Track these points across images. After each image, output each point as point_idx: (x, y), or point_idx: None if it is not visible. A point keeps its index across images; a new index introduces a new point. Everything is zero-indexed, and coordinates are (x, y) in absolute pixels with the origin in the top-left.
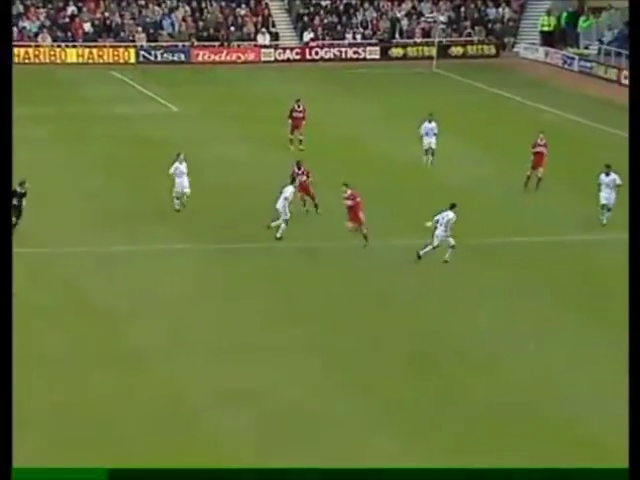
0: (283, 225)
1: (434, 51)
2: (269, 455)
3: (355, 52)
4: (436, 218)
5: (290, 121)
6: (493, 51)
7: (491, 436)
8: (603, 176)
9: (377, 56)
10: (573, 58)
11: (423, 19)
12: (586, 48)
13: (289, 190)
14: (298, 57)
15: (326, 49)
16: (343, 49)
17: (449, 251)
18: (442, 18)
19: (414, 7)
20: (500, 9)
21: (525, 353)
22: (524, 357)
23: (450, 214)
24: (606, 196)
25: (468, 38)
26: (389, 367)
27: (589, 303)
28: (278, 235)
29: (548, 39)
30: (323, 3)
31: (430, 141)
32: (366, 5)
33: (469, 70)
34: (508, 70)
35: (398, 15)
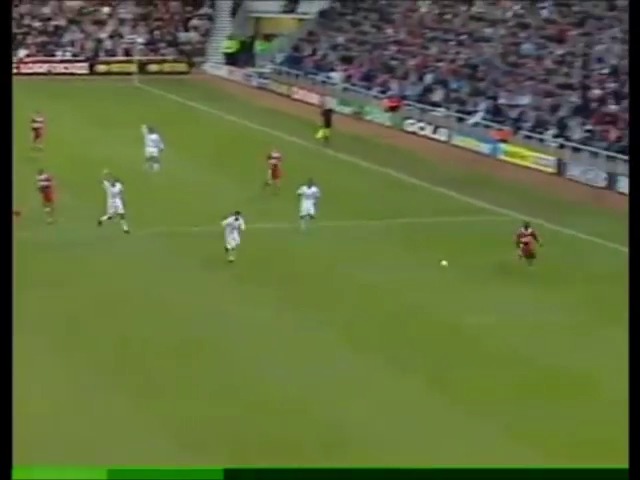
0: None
1: (134, 68)
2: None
3: (65, 67)
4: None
5: (32, 131)
6: (185, 69)
7: (222, 427)
8: (305, 188)
9: (85, 71)
10: (252, 75)
11: (124, 40)
12: (261, 67)
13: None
14: (15, 71)
15: (39, 65)
16: (54, 65)
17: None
18: (140, 40)
19: (116, 30)
20: (189, 33)
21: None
22: (253, 344)
23: (235, 220)
24: (307, 207)
25: (163, 57)
26: (140, 358)
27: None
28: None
29: (230, 59)
30: (34, 24)
31: (152, 150)
32: (73, 27)
33: (165, 85)
34: (198, 85)
35: (102, 36)
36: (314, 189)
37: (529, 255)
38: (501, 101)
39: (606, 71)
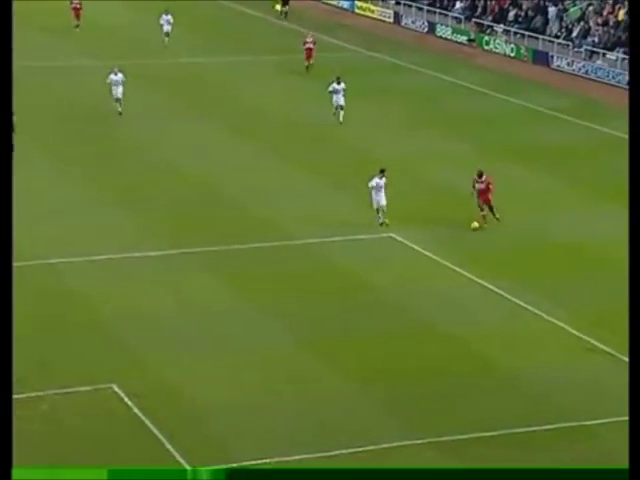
0: None
1: None
2: None
3: None
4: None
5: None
6: None
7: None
8: (335, 84)
9: None
10: None
11: None
12: None
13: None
14: None
15: None
16: None
17: None
18: None
19: None
20: None
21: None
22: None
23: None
24: (337, 100)
25: None
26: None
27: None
28: None
29: None
30: None
31: (167, 28)
32: None
33: None
34: None
35: None
36: (342, 85)
37: (488, 204)
38: None
39: None
